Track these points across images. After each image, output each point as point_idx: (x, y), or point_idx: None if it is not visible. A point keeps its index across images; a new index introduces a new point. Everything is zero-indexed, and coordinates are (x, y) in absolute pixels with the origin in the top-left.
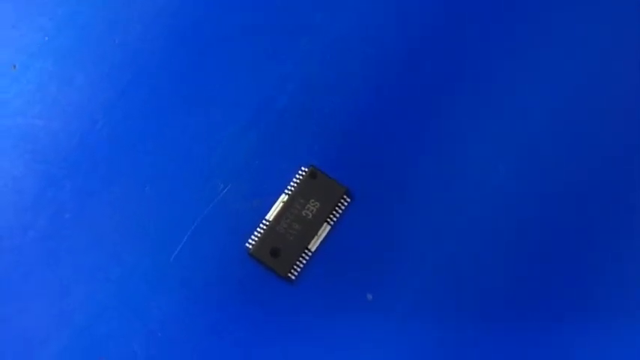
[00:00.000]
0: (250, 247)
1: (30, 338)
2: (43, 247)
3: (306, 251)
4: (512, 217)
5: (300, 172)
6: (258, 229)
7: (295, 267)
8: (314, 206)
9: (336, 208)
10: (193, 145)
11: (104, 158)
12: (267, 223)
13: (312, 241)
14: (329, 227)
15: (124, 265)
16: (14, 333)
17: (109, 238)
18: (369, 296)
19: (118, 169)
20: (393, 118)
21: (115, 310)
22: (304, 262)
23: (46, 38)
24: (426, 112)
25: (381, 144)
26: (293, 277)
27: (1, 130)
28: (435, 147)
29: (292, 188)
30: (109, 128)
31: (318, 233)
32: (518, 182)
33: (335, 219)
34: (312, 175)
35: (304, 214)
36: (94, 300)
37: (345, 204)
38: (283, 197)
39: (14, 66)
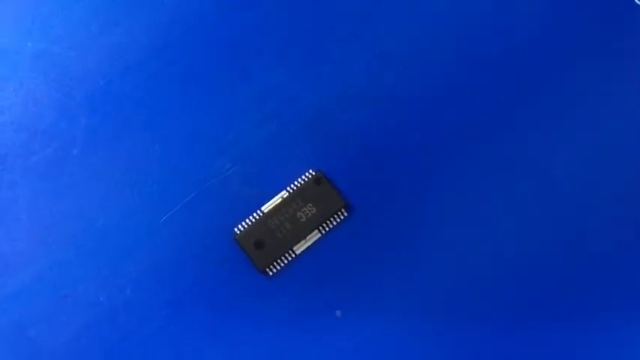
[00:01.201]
0: (237, 232)
1: (6, 262)
2: (41, 175)
3: (291, 252)
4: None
5: (307, 174)
6: (251, 218)
7: (275, 264)
8: (310, 211)
9: (331, 219)
10: (213, 119)
11: (125, 106)
12: (261, 214)
13: (299, 245)
14: (319, 235)
15: (112, 215)
16: None
17: (106, 185)
18: (338, 313)
19: (136, 120)
20: (413, 148)
21: (91, 256)
22: (286, 262)
23: None
24: (446, 152)
25: (395, 170)
26: (270, 273)
27: (36, 52)
28: (444, 190)
29: (294, 187)
30: (138, 81)
31: (307, 238)
32: (515, 215)
33: (327, 229)
34: (317, 180)
35: (298, 216)
36: (74, 240)
37: (341, 217)
38: (283, 194)
39: None
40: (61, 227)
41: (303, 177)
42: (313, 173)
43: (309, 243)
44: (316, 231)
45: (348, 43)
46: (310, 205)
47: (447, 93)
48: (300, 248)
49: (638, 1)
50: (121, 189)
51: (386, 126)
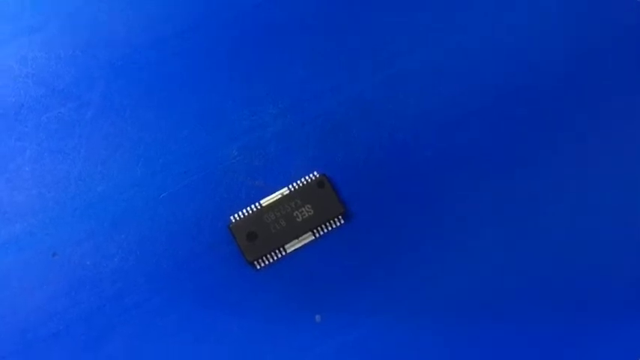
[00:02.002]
0: (233, 220)
1: (2, 210)
2: (51, 132)
3: (281, 249)
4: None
5: (311, 175)
6: (248, 209)
7: (264, 259)
8: (308, 212)
9: (327, 224)
10: (229, 106)
11: (146, 78)
12: (258, 207)
13: (291, 244)
14: (312, 238)
15: (113, 183)
16: None
17: (112, 153)
18: (318, 317)
19: (154, 94)
20: (420, 167)
21: (85, 220)
22: (275, 258)
23: None
24: (453, 176)
25: (399, 186)
26: (258, 267)
27: (70, 11)
28: (443, 217)
29: (296, 186)
30: (163, 56)
31: (300, 238)
32: (512, 236)
33: (321, 233)
34: (320, 183)
35: (295, 215)
36: (71, 201)
37: (338, 224)
38: (284, 190)
39: None
40: (61, 186)
41: (307, 177)
42: (317, 176)
43: (301, 243)
44: (310, 233)
45: (371, 58)
46: (309, 206)
47: (459, 116)
48: (291, 247)
49: None
50: (127, 159)
51: (396, 141)
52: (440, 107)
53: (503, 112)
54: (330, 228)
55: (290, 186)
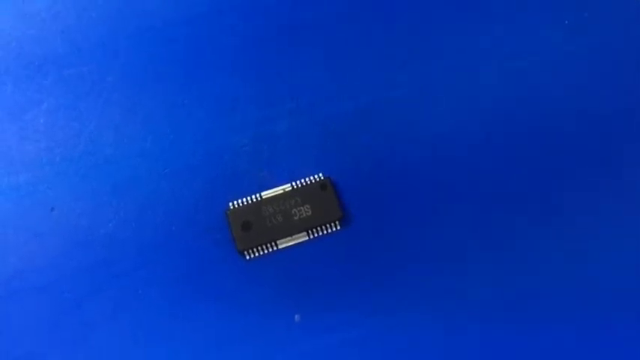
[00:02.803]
0: (231, 207)
1: (10, 158)
2: (70, 89)
3: (274, 244)
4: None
5: (316, 176)
6: (248, 198)
7: (255, 250)
8: (306, 212)
9: (323, 227)
10: (246, 95)
11: (171, 54)
12: (258, 199)
13: (284, 240)
14: (306, 238)
15: (121, 149)
16: None
17: (126, 120)
18: (297, 317)
19: (175, 71)
20: (425, 184)
21: (88, 180)
22: (266, 252)
23: None
24: (456, 197)
25: (401, 201)
26: (247, 257)
27: None
28: (442, 236)
29: (299, 184)
30: (192, 35)
31: (293, 236)
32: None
33: (316, 235)
34: (322, 185)
35: (293, 213)
36: (77, 159)
37: (334, 229)
38: (287, 186)
39: None
40: (70, 143)
41: (312, 178)
42: (322, 178)
43: (294, 242)
44: (305, 233)
45: (393, 69)
46: (308, 206)
47: (469, 136)
48: (283, 244)
49: None
50: (138, 129)
51: (406, 156)
52: (454, 128)
53: (511, 137)
54: (325, 231)
55: (293, 183)
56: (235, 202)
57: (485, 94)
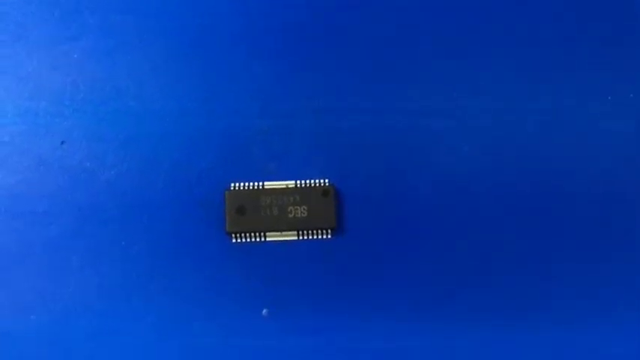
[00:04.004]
0: (231, 188)
1: (33, 83)
2: (108, 32)
3: (262, 235)
4: None
5: (321, 180)
6: (250, 184)
7: (243, 235)
8: (301, 213)
9: (314, 232)
10: (276, 83)
11: (205, 32)
12: (259, 187)
13: (273, 234)
14: (295, 238)
15: (142, 101)
16: None
17: (154, 78)
18: (265, 311)
19: (209, 47)
20: (429, 211)
21: (102, 123)
22: (253, 240)
23: None
24: (456, 226)
25: (404, 230)
26: (234, 240)
27: None
28: (435, 260)
29: (303, 184)
30: (224, 19)
31: (283, 233)
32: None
33: (304, 237)
34: (325, 191)
35: (289, 210)
36: (98, 101)
37: (324, 236)
38: (290, 183)
39: None
40: (96, 85)
41: (317, 181)
42: (327, 184)
43: (282, 238)
44: (295, 232)
45: (431, 98)
46: (305, 207)
47: (486, 181)
48: (272, 237)
49: None
50: (165, 91)
51: (416, 183)
52: (472, 167)
53: (522, 192)
54: (315, 237)
55: (297, 181)
56: (237, 184)
57: (509, 143)
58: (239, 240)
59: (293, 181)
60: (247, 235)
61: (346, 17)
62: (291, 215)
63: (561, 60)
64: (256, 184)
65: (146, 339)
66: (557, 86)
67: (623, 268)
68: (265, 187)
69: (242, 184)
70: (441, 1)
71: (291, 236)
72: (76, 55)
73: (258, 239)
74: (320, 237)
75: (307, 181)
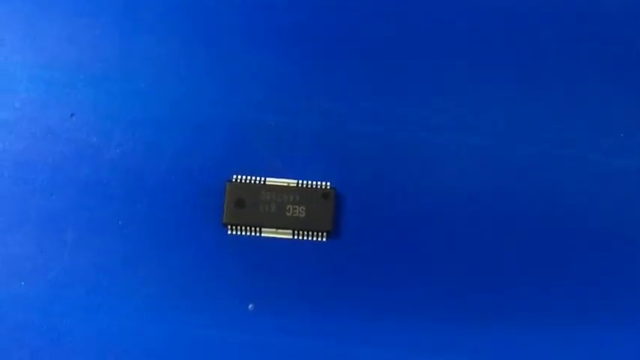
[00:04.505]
0: (233, 180)
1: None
2: (140, 11)
3: (258, 230)
4: None
5: (324, 183)
6: (252, 178)
7: (239, 228)
8: (299, 213)
9: (310, 233)
10: (292, 81)
11: (240, 15)
12: (261, 182)
13: (268, 230)
14: (290, 237)
15: (156, 85)
16: None
17: (172, 61)
18: (251, 306)
19: (231, 38)
20: (429, 226)
21: (110, 98)
22: (248, 234)
23: None
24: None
25: (401, 242)
26: (229, 232)
27: None
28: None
29: (305, 185)
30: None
31: (279, 231)
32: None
33: (300, 237)
34: (325, 194)
35: (287, 208)
36: (113, 78)
37: (319, 239)
38: (292, 182)
39: None
40: (112, 63)
41: (319, 183)
42: (328, 187)
43: (277, 235)
44: (290, 232)
45: (450, 113)
46: (303, 208)
47: (493, 204)
48: (267, 233)
49: None
50: (181, 76)
51: (419, 198)
52: (482, 190)
53: (524, 220)
54: (310, 238)
55: (300, 181)
56: (239, 177)
57: (513, 166)
58: (235, 232)
59: (295, 181)
60: (243, 228)
61: (367, 28)
62: (289, 214)
63: (576, 90)
64: (258, 178)
65: (130, 319)
66: (569, 117)
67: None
68: (267, 183)
69: (244, 177)
70: (457, 18)
71: (286, 234)
72: (96, 31)
73: (253, 234)
74: (315, 239)
75: (309, 182)
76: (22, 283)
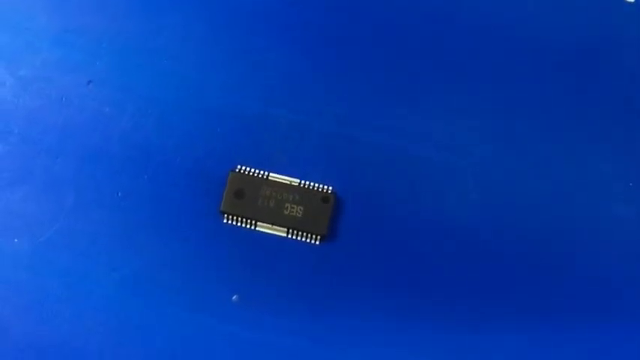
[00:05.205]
0: (236, 169)
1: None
2: None
3: (253, 223)
4: None
5: (326, 187)
6: (256, 170)
7: (234, 218)
8: (296, 212)
9: (304, 234)
10: (311, 82)
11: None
12: (264, 176)
13: (264, 225)
14: (284, 235)
15: (178, 67)
16: None
17: (194, 45)
18: (235, 297)
19: (265, 28)
20: (427, 239)
21: (130, 75)
22: (243, 225)
23: None
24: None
25: (394, 261)
26: (224, 220)
27: None
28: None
29: (306, 185)
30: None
31: (274, 227)
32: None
33: (293, 237)
34: (325, 198)
35: (285, 206)
36: (133, 50)
37: (312, 241)
38: (295, 180)
39: None
40: (133, 35)
41: (321, 186)
42: (330, 191)
43: (271, 231)
44: (285, 230)
45: (460, 133)
46: (301, 208)
47: (494, 232)
48: (262, 228)
49: None
50: (201, 58)
51: (419, 217)
52: (482, 216)
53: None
54: (304, 239)
55: (302, 181)
56: (243, 167)
57: (516, 198)
58: (230, 222)
59: (298, 180)
60: (239, 219)
61: (389, 43)
62: (286, 212)
63: (590, 135)
64: (262, 172)
65: (115, 290)
66: (581, 158)
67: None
68: (270, 177)
69: (248, 168)
70: (474, 41)
71: (280, 232)
72: (126, 3)
73: (248, 226)
74: (308, 240)
75: (311, 184)
76: (15, 240)
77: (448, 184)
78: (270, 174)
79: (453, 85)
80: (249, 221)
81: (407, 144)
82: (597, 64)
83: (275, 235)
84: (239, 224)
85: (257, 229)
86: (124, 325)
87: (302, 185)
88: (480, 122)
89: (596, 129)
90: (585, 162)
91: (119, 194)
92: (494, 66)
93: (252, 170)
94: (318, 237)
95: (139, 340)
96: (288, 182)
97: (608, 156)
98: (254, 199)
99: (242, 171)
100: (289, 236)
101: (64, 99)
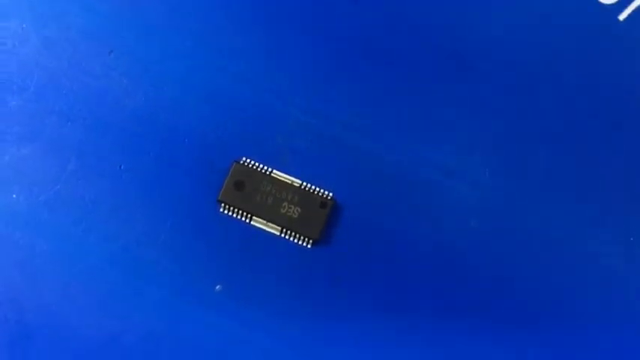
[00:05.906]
0: (240, 161)
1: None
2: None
3: (249, 217)
4: None
5: (326, 191)
6: (261, 165)
7: (231, 209)
8: (293, 213)
9: (297, 236)
10: (325, 84)
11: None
12: (267, 172)
13: (259, 221)
14: (277, 233)
15: (194, 54)
16: None
17: (213, 41)
18: (218, 287)
19: (280, 30)
20: (423, 246)
21: (148, 52)
22: (239, 217)
23: None
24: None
25: (385, 274)
26: (221, 210)
27: None
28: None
29: (307, 187)
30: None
31: (268, 224)
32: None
33: (286, 236)
34: (323, 203)
35: (282, 205)
36: (146, 28)
37: (303, 243)
38: (295, 181)
39: None
40: (154, 16)
41: (321, 190)
42: (329, 197)
43: (266, 228)
44: (280, 229)
45: (467, 151)
46: (298, 209)
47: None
48: (256, 223)
49: None
50: (227, 45)
51: (416, 231)
52: (477, 235)
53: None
54: (296, 240)
55: (303, 183)
56: (248, 160)
57: (511, 228)
58: (226, 212)
59: (299, 180)
60: (235, 210)
61: (406, 58)
62: (283, 211)
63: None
64: (266, 168)
65: (105, 260)
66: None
67: None
68: (272, 174)
69: (253, 162)
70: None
71: (274, 230)
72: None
73: (243, 219)
74: (300, 242)
75: (312, 187)
76: (14, 195)
77: (449, 208)
78: (274, 171)
79: (467, 115)
80: (244, 214)
81: (415, 165)
82: (600, 95)
83: (268, 232)
84: (235, 215)
85: (252, 223)
86: (107, 297)
87: (303, 187)
88: (492, 155)
89: (601, 159)
90: (588, 200)
91: (121, 167)
92: (506, 97)
93: (257, 164)
94: (311, 240)
95: (119, 314)
96: (290, 182)
97: (613, 189)
98: (253, 193)
99: (246, 163)
100: (282, 235)
101: (83, 64)
